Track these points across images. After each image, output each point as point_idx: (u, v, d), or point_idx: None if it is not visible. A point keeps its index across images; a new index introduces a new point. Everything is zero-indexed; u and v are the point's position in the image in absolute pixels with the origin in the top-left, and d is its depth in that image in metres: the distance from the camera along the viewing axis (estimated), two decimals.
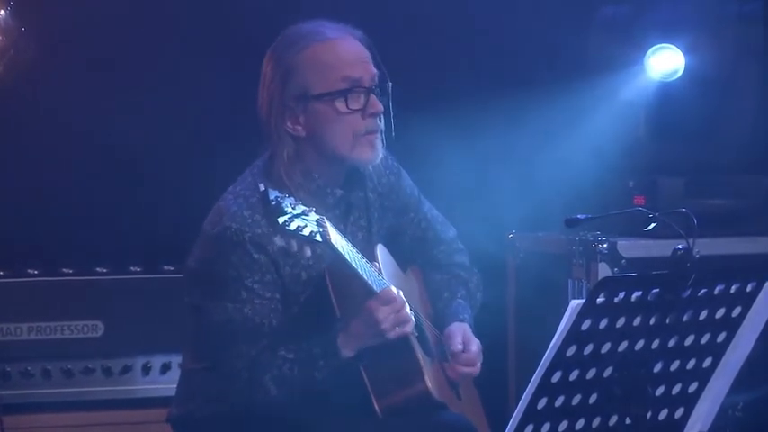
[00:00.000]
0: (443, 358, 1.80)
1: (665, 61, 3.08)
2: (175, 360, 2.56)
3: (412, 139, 2.90)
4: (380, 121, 1.72)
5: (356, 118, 1.67)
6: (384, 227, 1.88)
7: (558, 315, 1.20)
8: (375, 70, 1.72)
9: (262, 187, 1.43)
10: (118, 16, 3.04)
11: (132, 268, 2.74)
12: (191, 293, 1.73)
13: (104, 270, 2.74)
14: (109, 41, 3.06)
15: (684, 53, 3.07)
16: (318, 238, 1.43)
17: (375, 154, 1.72)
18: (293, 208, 1.40)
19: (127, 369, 2.64)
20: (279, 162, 1.69)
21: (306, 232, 1.41)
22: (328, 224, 1.47)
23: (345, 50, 1.70)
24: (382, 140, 1.74)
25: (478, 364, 1.79)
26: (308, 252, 1.48)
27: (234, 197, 1.70)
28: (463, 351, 1.76)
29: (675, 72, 3.08)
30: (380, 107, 1.70)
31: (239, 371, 1.60)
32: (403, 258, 1.93)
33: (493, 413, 2.07)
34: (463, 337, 1.78)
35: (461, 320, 1.84)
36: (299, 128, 1.68)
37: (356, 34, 1.74)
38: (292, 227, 1.39)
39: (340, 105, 1.66)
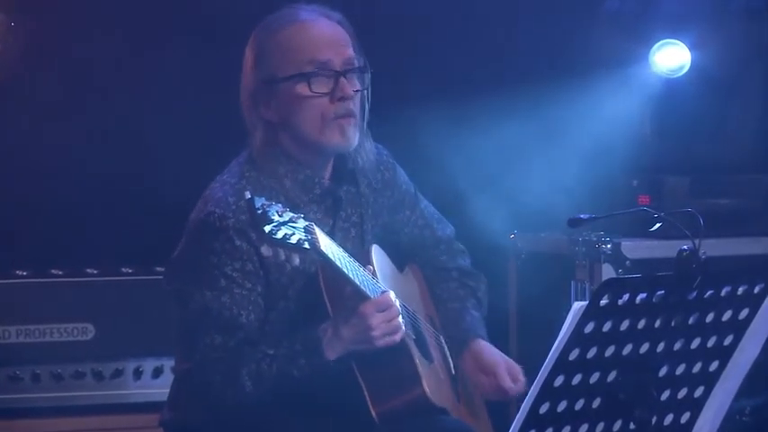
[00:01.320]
0: (446, 361, 1.80)
1: (671, 57, 3.08)
2: (167, 364, 2.56)
3: (412, 136, 2.91)
4: (355, 106, 1.70)
5: (324, 102, 1.66)
6: (378, 224, 1.87)
7: (561, 317, 1.20)
8: (351, 53, 1.70)
9: (248, 195, 1.41)
10: (110, 14, 3.04)
11: (123, 269, 2.74)
12: (171, 280, 1.74)
13: (95, 271, 2.73)
14: (101, 39, 3.05)
15: (691, 49, 3.07)
16: (306, 245, 1.41)
17: (346, 139, 1.69)
18: (280, 215, 1.38)
19: (118, 373, 2.63)
20: (255, 149, 1.70)
21: (293, 240, 1.39)
22: (317, 230, 1.45)
23: (316, 32, 1.68)
24: (359, 126, 1.73)
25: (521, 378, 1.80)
26: (297, 260, 1.47)
27: (220, 185, 1.71)
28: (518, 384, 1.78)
29: (681, 68, 3.08)
30: (350, 91, 1.67)
31: (214, 362, 1.58)
32: (400, 257, 1.92)
33: (494, 418, 2.07)
34: (508, 368, 1.80)
35: (481, 337, 1.85)
36: (271, 112, 1.68)
37: (334, 16, 1.73)
38: (279, 235, 1.37)
39: (303, 89, 1.65)
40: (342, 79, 1.67)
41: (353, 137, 1.71)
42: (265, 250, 1.46)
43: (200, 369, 1.61)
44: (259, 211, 1.37)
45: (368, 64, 1.76)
